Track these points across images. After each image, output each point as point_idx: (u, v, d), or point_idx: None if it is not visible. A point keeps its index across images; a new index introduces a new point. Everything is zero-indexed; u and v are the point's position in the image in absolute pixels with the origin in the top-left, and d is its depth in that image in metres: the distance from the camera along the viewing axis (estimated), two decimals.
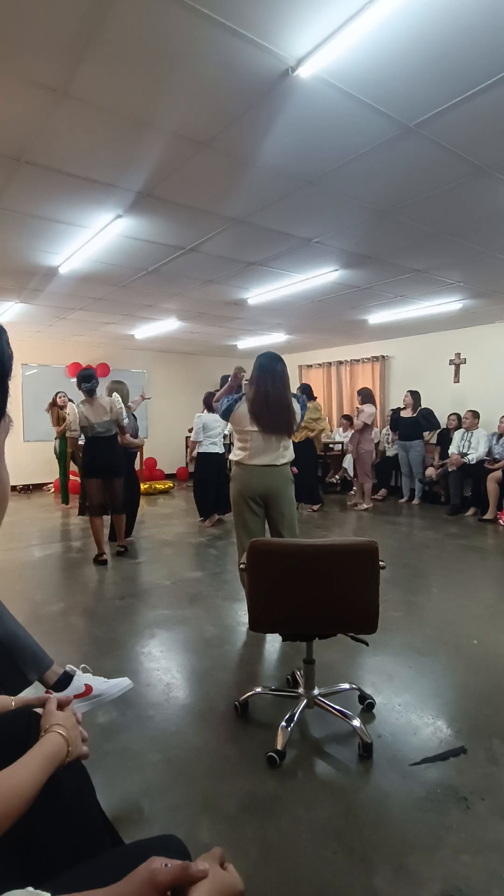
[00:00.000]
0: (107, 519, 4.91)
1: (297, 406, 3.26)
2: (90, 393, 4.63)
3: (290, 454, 3.26)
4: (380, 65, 2.09)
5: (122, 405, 4.74)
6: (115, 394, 4.82)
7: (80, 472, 4.83)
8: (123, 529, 4.99)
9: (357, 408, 7.37)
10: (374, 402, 7.39)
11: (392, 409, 8.13)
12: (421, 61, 2.08)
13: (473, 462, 6.78)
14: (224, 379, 10.41)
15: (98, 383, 4.69)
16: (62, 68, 2.10)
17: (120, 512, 4.86)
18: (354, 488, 7.72)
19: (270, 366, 3.13)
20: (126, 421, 4.78)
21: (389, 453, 8.07)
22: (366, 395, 7.31)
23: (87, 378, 4.61)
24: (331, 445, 8.62)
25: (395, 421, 7.72)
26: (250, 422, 3.13)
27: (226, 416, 3.28)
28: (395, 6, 1.78)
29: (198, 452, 6.24)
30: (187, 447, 10.38)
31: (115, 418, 4.64)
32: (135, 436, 5.38)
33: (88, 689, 2.24)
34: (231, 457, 3.32)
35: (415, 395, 7.56)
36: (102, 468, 4.69)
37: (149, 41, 1.96)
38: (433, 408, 7.69)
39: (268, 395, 3.09)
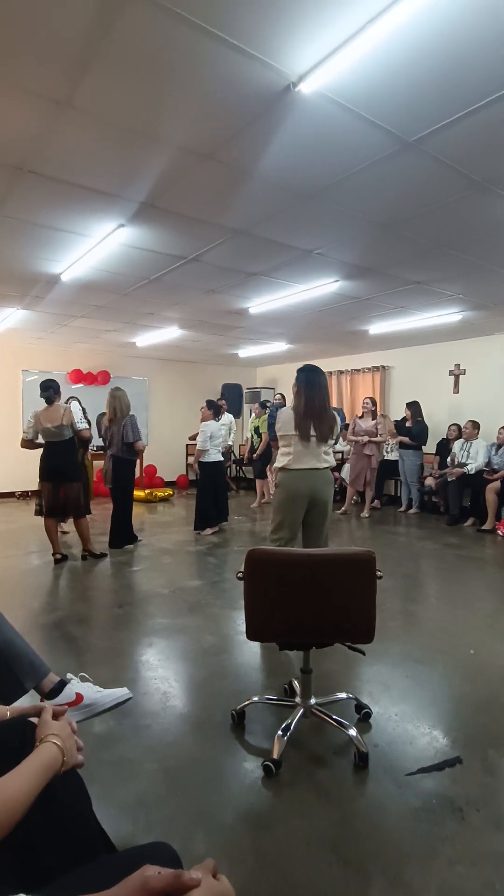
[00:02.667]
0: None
1: (337, 416, 3.52)
2: (48, 401, 4.84)
3: (331, 459, 3.50)
4: (380, 82, 2.13)
5: (79, 412, 4.86)
6: (73, 402, 4.98)
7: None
8: (88, 535, 4.97)
9: (382, 416, 7.49)
10: None
11: (396, 420, 8.20)
12: (420, 79, 2.11)
13: (472, 472, 6.79)
14: (225, 387, 10.52)
15: (56, 392, 4.89)
16: (66, 80, 2.14)
17: (77, 516, 4.88)
18: (356, 498, 7.76)
19: (314, 378, 3.42)
20: (82, 426, 4.85)
21: (391, 457, 8.16)
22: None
23: (44, 387, 4.87)
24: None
25: (399, 432, 7.83)
26: (294, 429, 3.37)
27: (272, 435, 3.64)
28: (396, 24, 1.82)
29: (203, 461, 6.26)
30: (188, 454, 10.41)
31: (67, 423, 4.78)
32: (129, 443, 5.30)
33: (79, 697, 2.24)
34: (276, 463, 3.54)
35: (410, 407, 7.66)
36: (52, 472, 4.83)
37: (152, 55, 2.00)
38: (433, 417, 7.73)
39: (312, 404, 3.37)
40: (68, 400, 5.66)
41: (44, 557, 5.11)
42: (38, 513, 4.90)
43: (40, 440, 4.91)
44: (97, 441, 5.76)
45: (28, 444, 4.94)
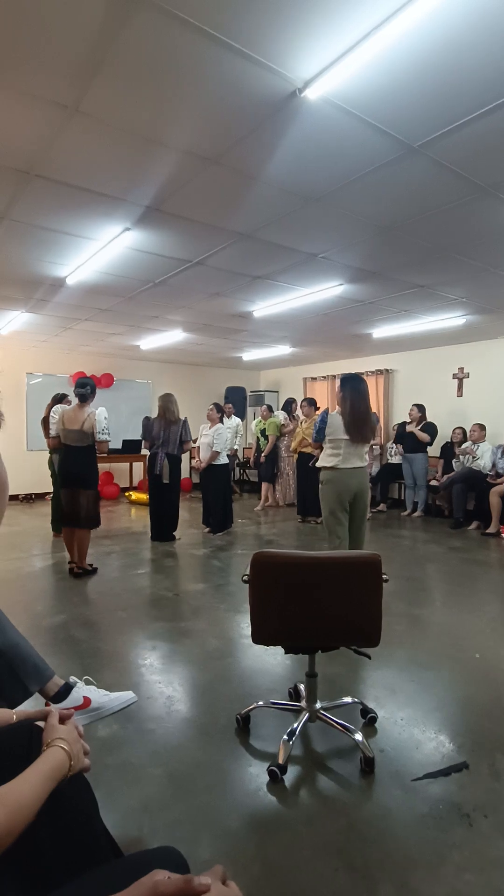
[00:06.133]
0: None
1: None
2: (81, 399, 4.63)
3: (368, 458, 4.01)
4: (385, 88, 2.13)
5: (103, 420, 4.62)
6: (101, 408, 4.73)
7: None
8: (85, 550, 4.71)
9: None
10: None
11: (398, 424, 8.16)
12: (425, 85, 2.12)
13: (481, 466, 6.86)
14: (230, 390, 10.51)
15: (91, 393, 4.66)
16: (73, 85, 2.15)
17: (81, 527, 4.62)
18: None
19: (358, 386, 3.82)
20: (104, 437, 4.62)
21: (394, 461, 8.15)
22: None
23: (81, 384, 4.63)
24: None
25: (401, 435, 7.77)
26: (344, 431, 3.75)
27: (320, 437, 3.90)
28: (401, 31, 1.82)
29: (216, 464, 6.32)
30: (191, 457, 10.40)
31: (88, 430, 4.57)
32: (183, 441, 5.83)
33: (87, 701, 2.24)
34: (323, 463, 3.89)
35: (420, 409, 7.62)
36: (67, 477, 4.66)
37: (159, 60, 2.00)
38: (437, 421, 7.71)
39: (357, 410, 3.77)
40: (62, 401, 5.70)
41: (46, 560, 5.12)
42: (57, 526, 4.77)
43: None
44: (114, 442, 5.82)
45: (56, 442, 4.78)
